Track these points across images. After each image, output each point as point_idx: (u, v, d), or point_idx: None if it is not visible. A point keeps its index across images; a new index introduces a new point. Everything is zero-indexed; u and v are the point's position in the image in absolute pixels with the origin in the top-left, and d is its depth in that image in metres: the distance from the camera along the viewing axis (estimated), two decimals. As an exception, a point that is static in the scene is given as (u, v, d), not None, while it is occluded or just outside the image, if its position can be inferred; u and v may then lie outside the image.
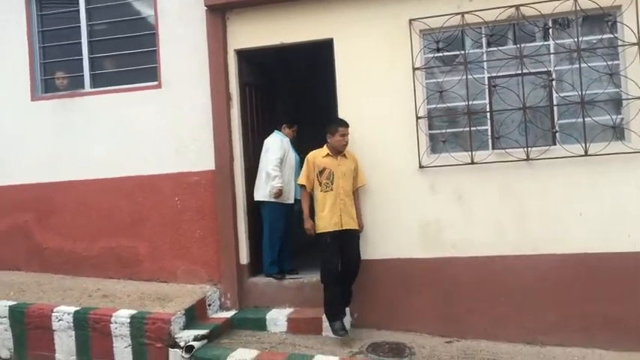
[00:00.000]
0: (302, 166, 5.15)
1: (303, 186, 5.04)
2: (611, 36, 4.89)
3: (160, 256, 5.86)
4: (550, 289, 4.92)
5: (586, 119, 4.84)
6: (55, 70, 6.25)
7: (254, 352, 4.57)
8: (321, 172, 4.94)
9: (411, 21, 5.13)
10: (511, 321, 4.98)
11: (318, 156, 5.00)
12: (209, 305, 5.38)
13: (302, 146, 5.67)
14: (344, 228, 4.85)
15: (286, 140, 5.66)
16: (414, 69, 5.12)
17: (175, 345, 4.64)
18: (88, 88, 6.11)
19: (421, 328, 5.14)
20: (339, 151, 4.93)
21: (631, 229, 4.78)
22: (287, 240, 5.69)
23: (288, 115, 6.11)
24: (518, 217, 5.00)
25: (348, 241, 4.90)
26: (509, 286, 5.00)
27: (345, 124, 4.97)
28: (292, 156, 5.63)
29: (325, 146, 5.00)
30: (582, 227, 4.87)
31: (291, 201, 5.60)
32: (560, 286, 4.90)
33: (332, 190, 4.88)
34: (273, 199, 5.47)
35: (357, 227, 4.96)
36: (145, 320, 4.73)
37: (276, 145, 5.53)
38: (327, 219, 4.87)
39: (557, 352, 4.79)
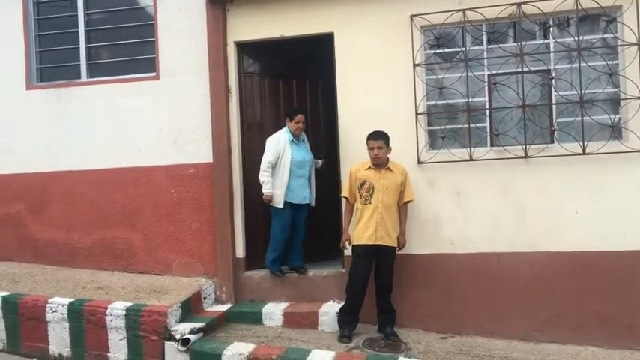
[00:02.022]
0: (309, 165, 5.25)
1: (345, 198, 4.98)
2: (611, 36, 4.92)
3: (155, 249, 5.82)
4: (545, 286, 4.94)
5: (584, 118, 4.87)
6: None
7: (250, 346, 4.55)
8: (362, 185, 4.83)
9: (412, 17, 5.13)
10: (506, 317, 5.01)
11: (361, 169, 4.89)
12: (204, 298, 5.36)
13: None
14: (377, 243, 4.75)
15: (285, 138, 5.31)
16: (415, 65, 5.12)
17: (171, 338, 4.62)
18: (84, 77, 6.05)
19: (416, 323, 5.14)
20: (379, 165, 4.80)
21: (627, 228, 4.82)
22: (297, 238, 5.49)
23: (293, 104, 5.84)
24: (516, 214, 5.02)
25: (381, 257, 4.82)
26: (505, 283, 5.02)
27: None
28: (288, 156, 5.26)
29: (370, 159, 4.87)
30: (578, 225, 4.90)
31: (281, 205, 5.26)
32: (555, 284, 4.93)
33: (370, 203, 4.78)
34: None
35: (392, 244, 4.80)
36: (140, 312, 4.69)
37: (270, 147, 5.28)
38: (361, 231, 4.81)
39: (552, 348, 4.82)
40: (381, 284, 4.86)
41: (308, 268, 5.48)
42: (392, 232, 4.78)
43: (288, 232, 5.39)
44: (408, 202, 4.89)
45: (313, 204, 5.48)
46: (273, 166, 5.25)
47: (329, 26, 5.34)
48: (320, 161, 5.70)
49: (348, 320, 4.90)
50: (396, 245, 4.83)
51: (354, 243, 4.85)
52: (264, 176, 5.22)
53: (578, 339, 4.87)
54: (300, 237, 5.49)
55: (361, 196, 4.85)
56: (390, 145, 4.82)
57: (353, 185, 4.92)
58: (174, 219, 5.76)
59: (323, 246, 5.67)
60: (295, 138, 5.34)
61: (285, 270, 5.49)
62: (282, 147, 5.27)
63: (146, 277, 5.71)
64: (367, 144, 4.80)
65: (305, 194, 5.39)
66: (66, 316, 4.85)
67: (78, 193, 6.01)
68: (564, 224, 4.93)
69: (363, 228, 4.79)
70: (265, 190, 5.23)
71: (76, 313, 4.83)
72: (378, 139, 4.77)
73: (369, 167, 4.85)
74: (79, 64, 6.07)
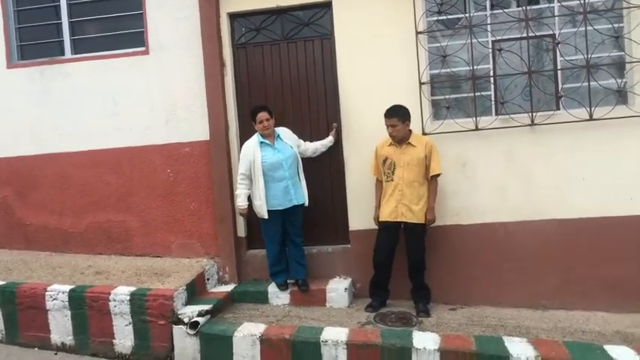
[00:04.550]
0: (289, 163, 4.89)
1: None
2: (617, -2, 4.83)
3: (152, 231, 5.65)
4: (553, 253, 4.93)
5: (590, 83, 4.79)
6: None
7: (261, 326, 4.47)
8: (384, 162, 4.75)
9: (414, -18, 4.96)
10: (514, 286, 5.00)
11: (384, 145, 4.79)
12: (208, 279, 5.24)
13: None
14: (398, 220, 4.69)
15: (255, 142, 4.90)
16: (417, 33, 4.97)
17: (179, 321, 4.50)
18: (68, 54, 5.77)
19: (424, 295, 5.11)
20: (400, 140, 4.68)
21: (634, 192, 4.80)
22: (294, 246, 5.10)
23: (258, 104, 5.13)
24: (522, 183, 4.97)
25: (408, 235, 4.77)
26: (512, 252, 5.00)
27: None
28: (259, 161, 4.83)
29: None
30: (585, 192, 4.87)
31: (265, 216, 4.88)
32: (563, 251, 4.92)
33: (392, 180, 4.70)
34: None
35: (416, 220, 4.68)
36: (145, 297, 4.56)
37: (242, 156, 4.92)
38: (383, 208, 4.77)
39: (561, 315, 4.83)
40: (410, 261, 4.81)
41: (310, 284, 5.13)
42: (415, 208, 4.68)
43: (282, 242, 5.08)
44: (436, 175, 4.75)
45: (307, 203, 5.04)
46: (249, 176, 4.90)
47: (327, -6, 5.15)
48: (333, 128, 5.27)
49: (375, 292, 4.96)
50: (421, 221, 4.71)
51: (380, 219, 4.80)
52: (237, 189, 4.94)
53: (586, 305, 4.89)
54: (298, 244, 5.10)
55: (384, 172, 4.76)
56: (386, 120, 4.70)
57: (378, 162, 4.83)
58: (171, 199, 5.58)
59: (330, 223, 5.50)
60: (267, 138, 4.94)
61: (290, 283, 5.18)
62: (251, 153, 4.87)
63: (145, 260, 5.55)
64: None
65: (290, 197, 4.92)
66: (67, 303, 4.69)
67: (68, 175, 5.79)
68: (571, 191, 4.90)
69: (385, 204, 4.75)
70: (237, 203, 4.97)
71: (78, 300, 4.67)
72: (391, 116, 4.66)
73: (391, 143, 4.75)
74: (62, 40, 5.77)
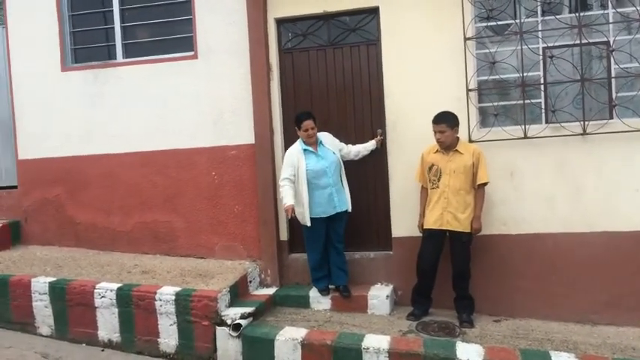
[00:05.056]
0: (332, 170, 4.86)
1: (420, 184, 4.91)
2: (677, 4, 4.66)
3: (196, 232, 5.74)
4: (603, 267, 4.78)
5: (646, 92, 4.65)
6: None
7: (302, 331, 4.47)
8: (429, 169, 4.72)
9: (463, -12, 4.90)
10: (562, 300, 4.87)
11: (430, 152, 4.76)
12: (250, 282, 5.28)
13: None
14: (444, 228, 4.65)
15: (298, 149, 4.90)
16: (466, 39, 4.91)
17: (222, 323, 4.55)
18: (120, 58, 5.92)
19: (468, 306, 5.03)
20: (447, 147, 4.64)
21: (689, 206, 4.62)
22: (335, 253, 5.08)
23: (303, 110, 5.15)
24: (572, 193, 4.84)
25: (453, 243, 4.72)
26: (560, 264, 4.87)
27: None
28: (303, 169, 4.82)
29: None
30: (638, 204, 4.71)
31: (308, 223, 4.87)
32: (613, 264, 4.76)
33: (438, 187, 4.67)
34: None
35: (462, 229, 4.62)
36: (190, 297, 4.63)
37: (286, 162, 4.90)
38: (428, 215, 4.74)
39: (610, 331, 4.68)
40: (454, 270, 4.75)
41: (351, 290, 5.10)
42: (461, 216, 4.62)
43: (324, 248, 5.05)
44: (483, 184, 4.68)
45: (350, 209, 5.01)
46: (293, 181, 4.86)
47: (374, 0, 5.13)
48: (378, 135, 5.21)
49: (417, 300, 4.91)
50: (467, 230, 4.64)
51: (425, 227, 4.76)
52: (282, 191, 4.84)
53: (636, 321, 4.71)
54: (340, 251, 5.08)
55: (430, 180, 4.72)
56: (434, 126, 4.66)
57: (424, 169, 4.80)
58: (215, 202, 5.66)
59: (373, 229, 5.47)
60: (310, 145, 4.93)
61: (331, 288, 5.17)
62: (295, 159, 4.85)
63: (189, 261, 5.64)
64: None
65: (334, 204, 4.90)
66: (114, 301, 4.81)
67: (117, 176, 5.94)
68: (623, 203, 4.74)
69: (431, 212, 4.70)
70: (284, 202, 4.83)
71: (125, 298, 4.78)
72: (440, 122, 4.61)
73: (437, 150, 4.71)
74: (115, 45, 5.93)
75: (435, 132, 4.63)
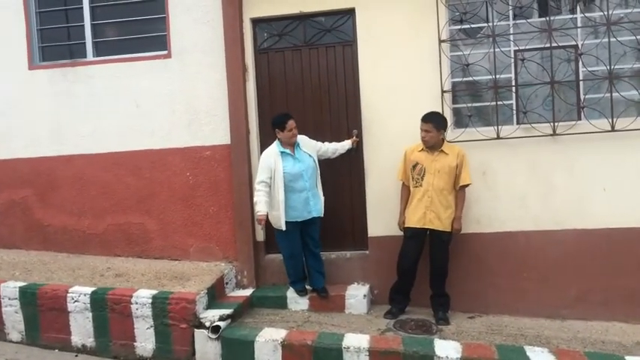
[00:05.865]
0: (309, 173, 4.87)
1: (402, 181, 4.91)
2: (640, 10, 4.84)
3: (171, 233, 5.67)
4: (572, 263, 4.94)
5: (612, 94, 4.80)
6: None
7: (282, 332, 4.47)
8: (414, 167, 4.75)
9: (437, -9, 4.98)
10: (533, 296, 5.01)
11: (415, 150, 4.79)
12: (226, 283, 5.25)
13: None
14: (426, 226, 4.69)
15: (276, 152, 4.83)
16: (441, 41, 4.99)
17: (201, 325, 4.51)
18: (90, 56, 5.79)
19: (442, 303, 5.12)
20: (432, 147, 4.69)
21: (655, 204, 4.81)
22: (313, 257, 5.07)
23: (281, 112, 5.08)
24: (543, 192, 4.98)
25: (433, 241, 4.77)
26: (532, 262, 5.01)
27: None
28: (280, 171, 4.77)
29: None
30: (606, 202, 4.88)
31: (283, 227, 4.81)
32: (582, 261, 4.93)
33: (421, 186, 4.71)
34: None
35: (443, 228, 4.69)
36: (168, 300, 4.57)
37: (263, 165, 4.83)
38: (410, 214, 4.76)
39: (580, 325, 4.83)
40: (432, 268, 4.82)
41: (329, 291, 5.11)
42: (443, 215, 4.69)
43: (300, 252, 5.04)
44: (465, 185, 4.76)
45: (322, 214, 4.98)
46: (269, 184, 4.81)
47: (350, 1, 5.16)
48: (354, 136, 5.22)
49: (395, 299, 4.96)
50: (448, 230, 4.72)
51: (406, 225, 4.80)
52: (256, 196, 4.79)
53: (605, 315, 4.89)
54: (317, 255, 5.08)
55: (413, 178, 4.76)
56: (415, 123, 4.72)
57: (407, 167, 4.83)
58: (190, 203, 5.60)
59: (349, 229, 5.50)
60: (287, 147, 4.87)
61: (309, 289, 5.17)
62: (272, 162, 4.79)
63: (164, 263, 5.57)
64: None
65: (309, 208, 4.88)
66: (88, 305, 4.70)
67: (88, 177, 5.80)
68: (592, 201, 4.91)
69: (413, 210, 4.75)
70: (256, 209, 4.79)
71: (99, 302, 4.68)
72: (427, 121, 4.67)
73: (422, 149, 4.75)
74: (84, 43, 5.79)
75: (422, 130, 4.69)
